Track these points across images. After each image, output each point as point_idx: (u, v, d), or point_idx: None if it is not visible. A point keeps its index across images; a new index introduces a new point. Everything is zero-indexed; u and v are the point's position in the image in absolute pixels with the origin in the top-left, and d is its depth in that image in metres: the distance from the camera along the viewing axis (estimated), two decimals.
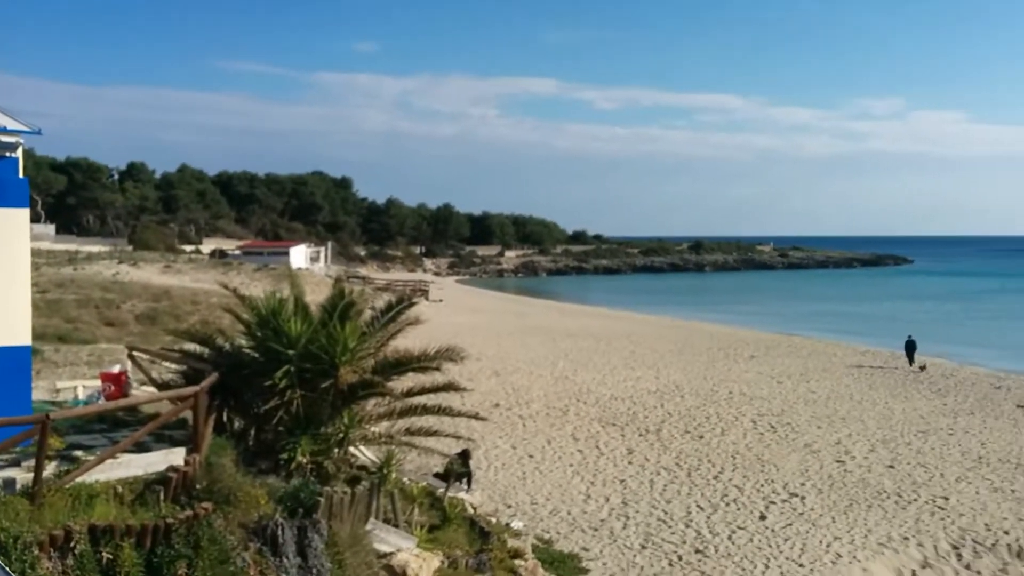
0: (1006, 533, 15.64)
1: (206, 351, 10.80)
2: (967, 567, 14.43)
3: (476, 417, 12.21)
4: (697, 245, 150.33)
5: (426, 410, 10.70)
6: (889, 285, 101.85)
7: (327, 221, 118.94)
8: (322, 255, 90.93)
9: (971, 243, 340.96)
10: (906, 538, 15.38)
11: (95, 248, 63.89)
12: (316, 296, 12.27)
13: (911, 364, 34.83)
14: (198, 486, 7.74)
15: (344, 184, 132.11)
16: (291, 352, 9.65)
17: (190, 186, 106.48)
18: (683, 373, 32.59)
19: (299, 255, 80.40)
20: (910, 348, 35.57)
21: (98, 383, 11.38)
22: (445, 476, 12.78)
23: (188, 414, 8.74)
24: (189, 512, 7.10)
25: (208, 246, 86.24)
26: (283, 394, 9.46)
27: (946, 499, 17.55)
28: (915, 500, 17.48)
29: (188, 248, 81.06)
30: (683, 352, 38.79)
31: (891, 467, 19.94)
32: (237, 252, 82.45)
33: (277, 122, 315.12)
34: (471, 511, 11.76)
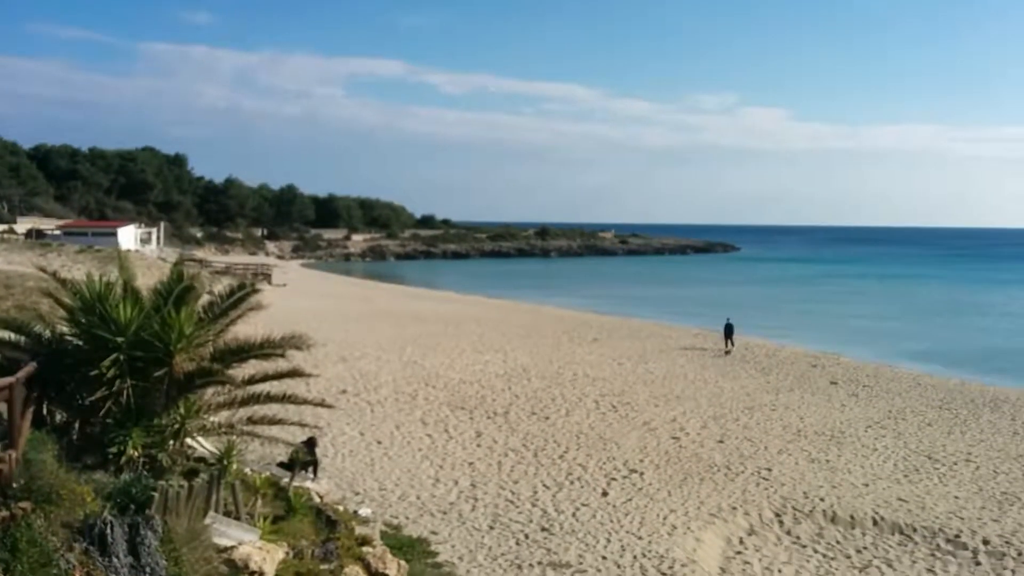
0: (822, 500, 17.05)
1: (22, 339, 9.95)
2: (788, 533, 15.64)
3: (322, 404, 11.92)
4: (543, 231, 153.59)
5: (269, 398, 10.34)
6: (719, 271, 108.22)
7: (160, 200, 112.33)
8: (154, 236, 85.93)
9: (795, 232, 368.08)
10: (734, 508, 16.46)
11: None
12: (148, 280, 11.55)
13: (730, 346, 36.68)
14: (15, 484, 7.12)
15: (178, 161, 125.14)
16: (120, 340, 9.05)
17: (1, 159, 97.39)
18: (530, 356, 33.27)
19: (128, 236, 75.52)
20: (728, 331, 37.48)
21: None
22: (290, 465, 12.42)
23: (3, 407, 8.04)
24: (5, 513, 6.53)
25: (23, 226, 79.32)
26: (111, 384, 8.87)
27: (769, 470, 18.90)
28: (742, 472, 18.71)
29: (0, 227, 74.25)
30: (530, 335, 39.59)
31: (721, 442, 21.24)
32: (57, 232, 76.44)
33: (102, 93, 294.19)
34: (317, 500, 11.50)
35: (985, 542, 15.10)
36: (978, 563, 14.37)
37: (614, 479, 17.86)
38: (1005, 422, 24.67)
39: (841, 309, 62.34)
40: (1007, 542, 15.08)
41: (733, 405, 25.72)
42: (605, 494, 16.87)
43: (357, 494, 15.99)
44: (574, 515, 15.57)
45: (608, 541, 14.35)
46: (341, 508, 12.18)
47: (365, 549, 9.98)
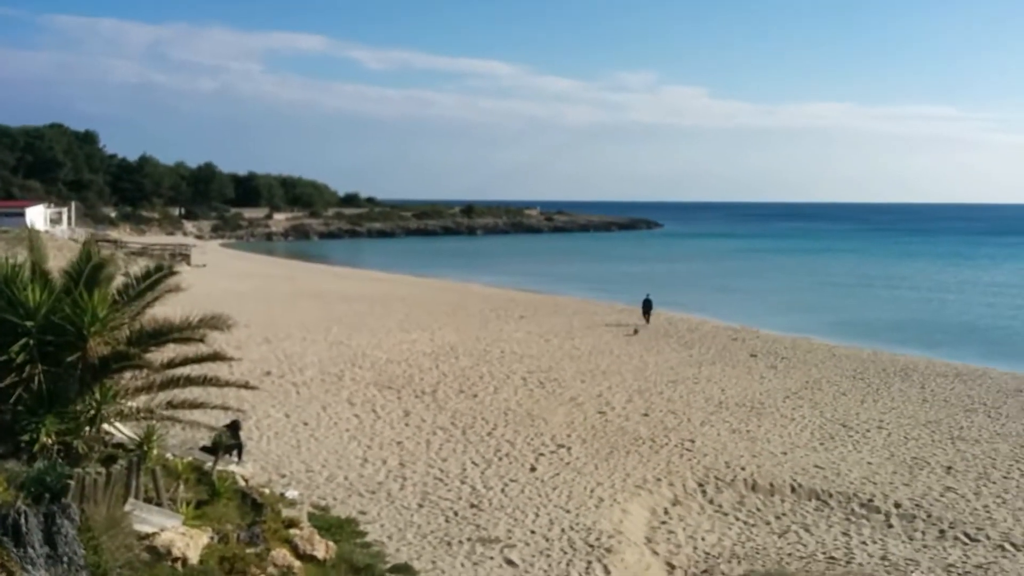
0: (742, 469, 17.59)
1: None
2: (711, 502, 16.10)
3: (246, 386, 11.67)
4: (469, 209, 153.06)
5: (190, 381, 10.06)
6: (643, 247, 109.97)
7: (70, 179, 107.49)
8: (65, 216, 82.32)
9: (716, 208, 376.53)
10: (659, 479, 16.84)
11: None
12: (60, 262, 11.05)
13: (647, 322, 37.43)
14: None
15: (88, 139, 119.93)
16: (29, 324, 8.65)
17: None
18: (457, 334, 33.24)
19: (37, 216, 72.09)
20: (647, 306, 38.21)
21: None
22: (213, 449, 12.13)
23: None
24: None
25: None
26: (21, 370, 8.49)
27: (693, 442, 19.39)
28: (667, 444, 19.15)
29: None
30: (457, 314, 39.54)
31: (646, 415, 21.68)
32: None
33: (3, 68, 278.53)
34: (242, 484, 11.26)
35: (897, 505, 15.84)
36: (890, 526, 15.07)
37: (542, 454, 18.05)
38: (914, 390, 25.87)
39: (760, 283, 64.24)
40: (917, 505, 15.85)
41: (657, 379, 26.25)
42: (533, 469, 17.03)
43: (283, 476, 15.75)
44: (503, 491, 15.68)
45: (536, 515, 14.51)
46: (267, 491, 11.99)
47: (292, 531, 9.84)
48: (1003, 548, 13.91)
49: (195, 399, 10.44)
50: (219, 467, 11.35)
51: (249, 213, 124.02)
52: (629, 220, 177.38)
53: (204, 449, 12.58)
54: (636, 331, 35.31)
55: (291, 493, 13.59)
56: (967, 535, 14.49)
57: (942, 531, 14.71)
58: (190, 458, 11.41)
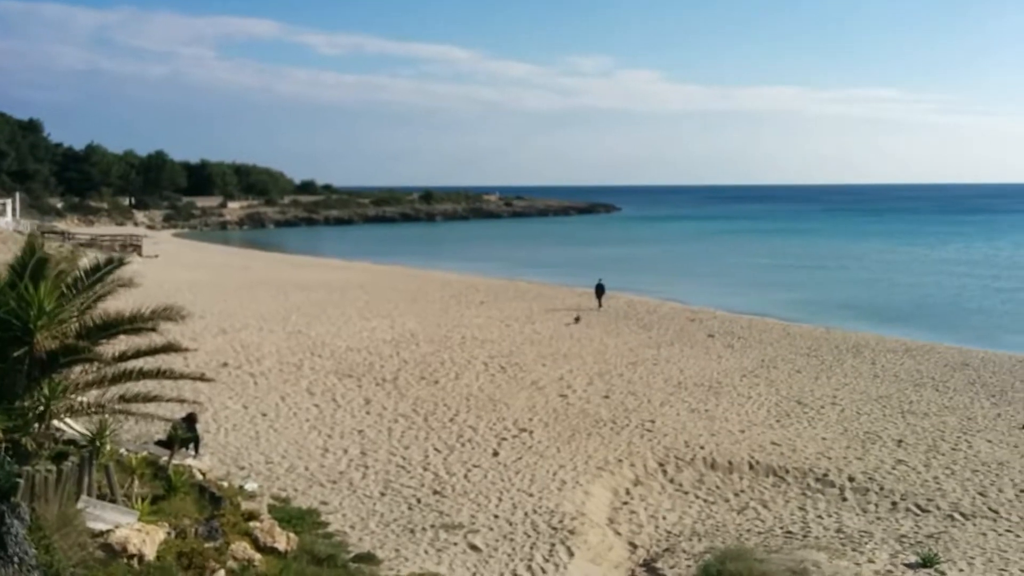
0: (701, 448, 17.83)
1: None
2: (671, 481, 16.30)
3: (201, 378, 11.45)
4: (427, 195, 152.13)
5: (143, 374, 9.84)
6: (602, 231, 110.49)
7: (13, 170, 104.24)
8: (9, 208, 79.91)
9: (673, 192, 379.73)
10: (620, 460, 16.99)
11: None
12: (5, 255, 10.72)
13: (600, 306, 37.48)
14: None
15: (32, 127, 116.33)
16: None
17: None
18: (418, 321, 33.10)
19: None
20: (599, 291, 38.36)
21: None
22: (169, 443, 11.93)
23: None
24: None
25: None
26: None
27: (653, 422, 19.59)
28: (627, 425, 19.32)
29: None
30: (417, 300, 39.36)
31: (607, 397, 21.84)
32: None
33: None
34: (200, 477, 11.10)
35: (851, 479, 16.20)
36: (845, 499, 15.41)
37: (504, 439, 18.09)
38: (866, 366, 26.44)
39: (717, 264, 65.01)
40: (870, 478, 16.22)
41: (617, 361, 26.44)
42: (496, 454, 17.07)
43: (242, 469, 15.56)
44: (466, 476, 15.69)
45: (500, 500, 14.55)
46: (225, 484, 11.83)
47: (252, 524, 9.73)
48: (952, 518, 14.31)
49: (149, 392, 10.23)
50: (175, 461, 11.17)
51: (202, 202, 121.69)
52: (588, 204, 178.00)
53: (159, 443, 12.37)
54: (577, 319, 33.88)
55: (250, 485, 13.43)
56: (918, 506, 14.88)
57: (894, 503, 15.08)
58: (145, 453, 11.20)
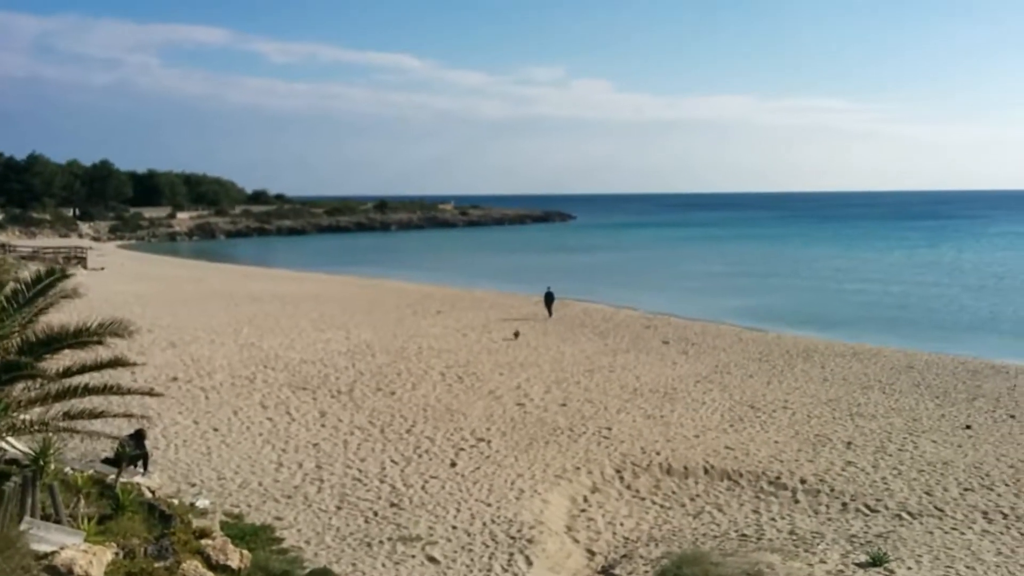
0: (657, 454, 17.97)
1: None
2: (628, 487, 16.39)
3: (150, 393, 11.23)
4: (382, 204, 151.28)
5: (88, 390, 9.58)
6: (557, 239, 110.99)
7: None
8: None
9: (627, 200, 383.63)
10: (578, 468, 17.04)
11: None
12: None
13: (549, 315, 37.33)
14: None
15: None
16: None
17: None
18: (373, 331, 32.84)
19: None
20: (548, 299, 38.18)
21: None
22: (116, 461, 11.63)
23: None
24: None
25: None
26: None
27: (609, 429, 19.69)
28: (584, 433, 19.39)
29: None
30: (372, 311, 39.06)
31: (564, 405, 21.89)
32: None
33: None
34: (149, 495, 10.84)
35: (802, 481, 16.47)
36: (797, 501, 15.66)
37: (462, 449, 18.01)
38: (816, 370, 26.95)
39: (670, 271, 65.76)
40: (821, 480, 16.51)
41: (574, 369, 26.55)
42: (454, 464, 16.99)
43: (193, 485, 15.24)
44: (423, 488, 15.58)
45: (458, 511, 14.48)
46: (176, 501, 11.57)
47: (204, 542, 9.52)
48: (900, 517, 14.63)
49: (95, 409, 9.97)
50: (123, 479, 10.89)
51: (150, 213, 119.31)
52: (543, 213, 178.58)
53: (106, 461, 12.05)
54: (516, 334, 31.97)
55: (202, 502, 13.16)
56: (867, 506, 15.17)
57: (844, 504, 15.37)
58: (91, 471, 10.90)
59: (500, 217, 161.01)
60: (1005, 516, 14.56)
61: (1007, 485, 16.12)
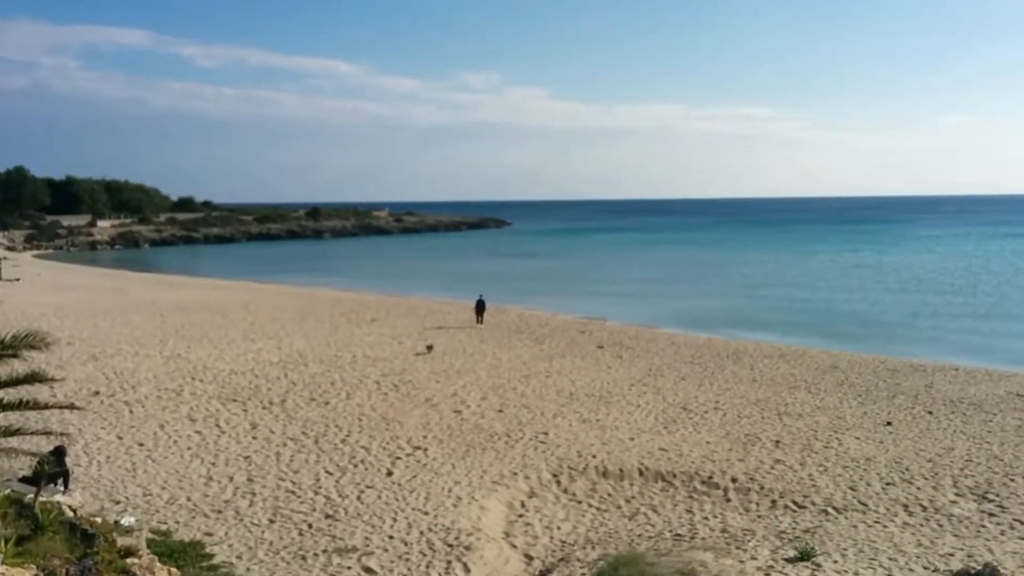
0: (593, 457, 18.11)
1: None
2: (565, 491, 16.47)
3: (70, 408, 10.82)
4: (314, 211, 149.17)
5: (4, 406, 9.19)
6: (493, 245, 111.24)
7: None
8: None
9: (561, 206, 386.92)
10: (515, 473, 17.06)
11: None
12: None
13: (479, 323, 36.98)
14: None
15: None
16: None
17: None
18: (306, 341, 32.32)
19: None
20: (480, 307, 37.76)
21: None
22: (35, 479, 11.14)
23: None
24: None
25: None
26: None
27: (546, 434, 19.77)
28: (522, 438, 19.43)
29: None
30: (305, 320, 38.45)
31: (500, 411, 21.90)
32: None
33: None
34: (70, 514, 10.41)
35: (733, 480, 16.81)
36: (728, 500, 15.97)
37: (398, 458, 17.85)
38: (745, 371, 27.58)
39: (604, 276, 66.53)
40: (751, 478, 16.88)
41: (510, 375, 26.59)
42: (390, 474, 16.81)
43: (118, 503, 14.73)
44: (359, 498, 15.38)
45: (395, 520, 14.33)
46: (99, 520, 11.15)
47: (129, 560, 9.20)
48: (827, 512, 15.06)
49: (11, 425, 9.56)
50: (42, 498, 10.44)
51: (69, 221, 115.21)
52: (478, 219, 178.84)
53: (24, 480, 11.54)
54: (430, 347, 30.59)
55: (127, 520, 12.71)
56: (795, 503, 15.58)
57: (774, 501, 15.75)
58: (8, 491, 10.43)
59: (435, 224, 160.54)
60: (924, 508, 15.13)
61: (926, 478, 16.76)
